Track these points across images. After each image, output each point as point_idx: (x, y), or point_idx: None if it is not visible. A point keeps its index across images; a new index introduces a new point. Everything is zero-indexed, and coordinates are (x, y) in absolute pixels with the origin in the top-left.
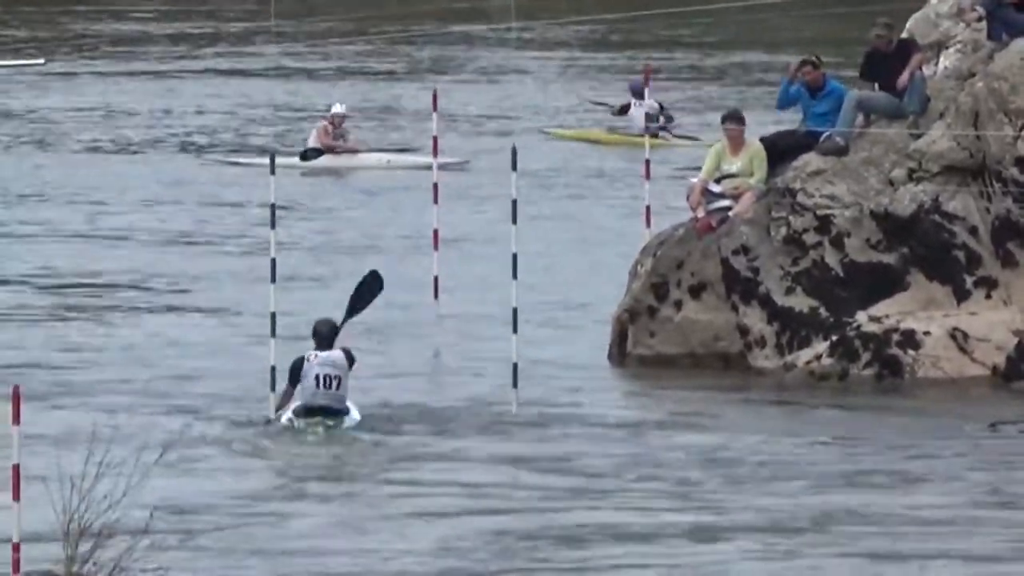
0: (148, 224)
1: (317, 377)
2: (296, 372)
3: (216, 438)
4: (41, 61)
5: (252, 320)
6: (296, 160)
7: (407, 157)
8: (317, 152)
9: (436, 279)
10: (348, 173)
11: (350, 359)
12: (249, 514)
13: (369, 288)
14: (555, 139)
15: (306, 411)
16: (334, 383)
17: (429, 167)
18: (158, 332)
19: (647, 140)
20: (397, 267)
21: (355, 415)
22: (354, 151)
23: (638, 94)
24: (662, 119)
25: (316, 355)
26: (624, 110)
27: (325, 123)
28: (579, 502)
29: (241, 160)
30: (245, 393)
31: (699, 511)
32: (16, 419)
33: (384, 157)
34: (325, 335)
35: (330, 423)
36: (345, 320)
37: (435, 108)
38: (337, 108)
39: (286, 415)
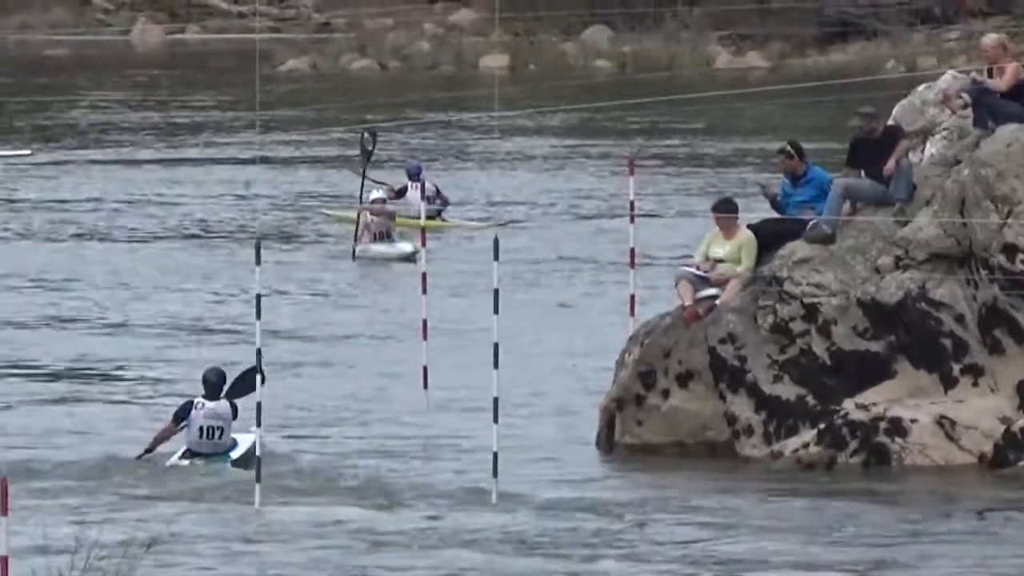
0: (145, 313)
1: (201, 428)
2: (182, 413)
3: (198, 530)
4: (28, 152)
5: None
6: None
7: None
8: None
9: (425, 368)
10: (343, 259)
11: (235, 411)
12: None
13: (250, 380)
14: (334, 221)
15: (191, 454)
16: (216, 433)
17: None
18: (142, 418)
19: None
20: (385, 355)
21: (239, 449)
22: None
23: (414, 177)
24: (439, 201)
25: (203, 404)
26: (401, 192)
27: (369, 211)
28: None
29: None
30: (226, 482)
31: None
32: (4, 509)
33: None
34: (214, 383)
35: (213, 465)
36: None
37: (423, 196)
38: (376, 194)
39: (174, 458)
